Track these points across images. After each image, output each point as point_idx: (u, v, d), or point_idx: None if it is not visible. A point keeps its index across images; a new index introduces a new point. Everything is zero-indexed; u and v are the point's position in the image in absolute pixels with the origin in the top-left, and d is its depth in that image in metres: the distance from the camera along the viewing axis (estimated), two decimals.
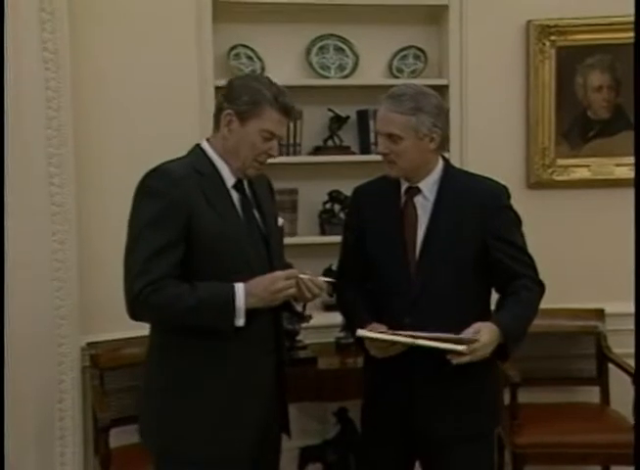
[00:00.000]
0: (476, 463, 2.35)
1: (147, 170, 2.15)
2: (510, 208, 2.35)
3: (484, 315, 2.31)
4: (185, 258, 2.11)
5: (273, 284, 2.11)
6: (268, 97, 2.14)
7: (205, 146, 2.23)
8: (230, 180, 2.21)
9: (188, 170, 2.14)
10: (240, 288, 2.09)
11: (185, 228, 2.09)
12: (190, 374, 2.15)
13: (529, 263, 2.35)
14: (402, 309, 2.28)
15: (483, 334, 2.15)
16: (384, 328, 2.25)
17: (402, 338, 2.16)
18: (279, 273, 2.14)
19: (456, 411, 2.31)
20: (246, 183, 2.25)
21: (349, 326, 2.49)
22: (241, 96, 2.16)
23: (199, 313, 2.08)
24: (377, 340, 2.21)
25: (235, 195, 2.21)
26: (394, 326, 2.24)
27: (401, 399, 2.32)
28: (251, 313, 2.11)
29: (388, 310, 2.32)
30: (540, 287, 2.35)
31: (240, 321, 2.09)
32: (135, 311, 2.11)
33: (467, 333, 2.17)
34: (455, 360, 2.14)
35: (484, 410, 2.37)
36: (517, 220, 2.36)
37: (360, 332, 2.21)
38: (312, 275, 2.19)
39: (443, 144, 2.34)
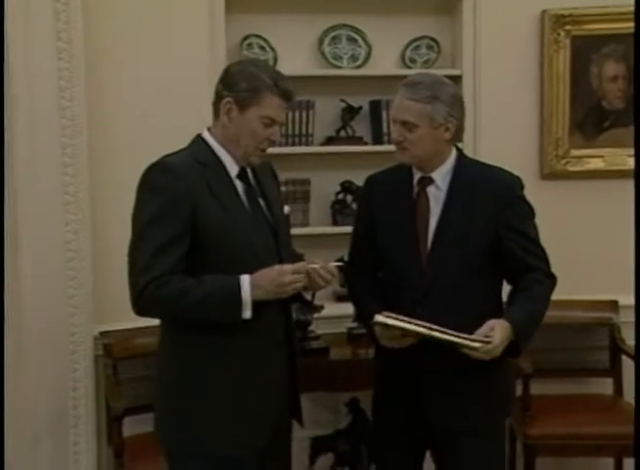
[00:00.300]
0: (484, 456, 2.34)
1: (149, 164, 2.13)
2: (523, 199, 2.34)
3: (496, 307, 2.31)
4: (192, 251, 2.09)
5: (280, 277, 2.09)
6: (268, 83, 2.10)
7: (207, 136, 2.19)
8: (233, 170, 2.18)
9: (190, 162, 2.11)
10: (245, 280, 2.07)
11: (190, 222, 2.07)
12: (195, 369, 2.14)
13: (542, 256, 2.33)
14: (414, 301, 2.28)
15: (497, 332, 2.15)
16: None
17: (418, 327, 2.15)
18: (287, 267, 2.12)
19: (464, 403, 2.30)
20: (250, 172, 2.23)
21: (360, 316, 2.49)
22: (239, 83, 2.11)
23: (205, 307, 2.07)
24: (392, 327, 2.18)
25: (239, 185, 2.19)
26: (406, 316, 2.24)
27: (410, 389, 2.32)
28: (259, 305, 2.09)
29: (400, 302, 2.31)
30: (552, 280, 2.34)
31: (247, 313, 2.07)
32: (140, 308, 2.10)
33: (480, 333, 2.16)
34: (470, 354, 2.14)
35: (493, 403, 2.36)
36: (530, 212, 2.35)
37: (378, 318, 2.18)
38: (323, 263, 2.18)
39: (458, 134, 2.33)
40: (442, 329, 2.15)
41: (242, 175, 2.20)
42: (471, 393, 2.30)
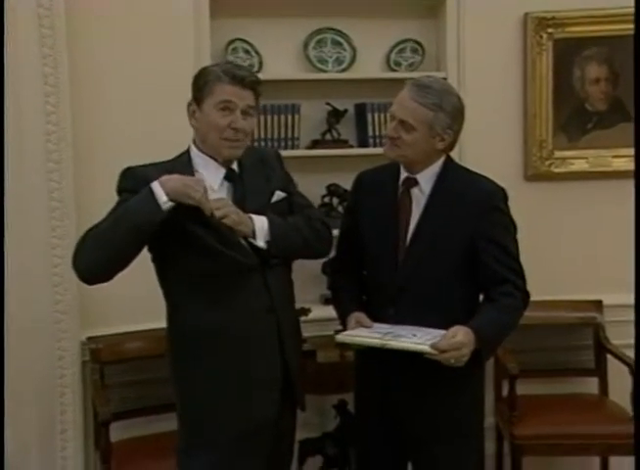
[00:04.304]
0: (459, 461, 2.33)
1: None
2: (502, 210, 2.30)
3: (470, 312, 2.26)
4: (171, 252, 2.18)
5: (189, 180, 2.10)
6: (216, 73, 2.18)
7: (192, 148, 2.27)
8: (220, 173, 2.23)
9: (163, 173, 2.13)
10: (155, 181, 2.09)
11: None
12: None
13: (517, 270, 2.28)
14: (387, 300, 2.30)
15: (459, 335, 2.12)
16: (366, 319, 2.29)
17: (373, 340, 2.18)
18: (196, 178, 2.15)
19: (435, 410, 2.30)
20: (237, 167, 2.26)
21: (337, 313, 2.49)
22: (194, 85, 2.23)
23: (125, 216, 2.07)
24: (352, 345, 2.27)
25: (227, 186, 2.23)
26: (380, 316, 2.29)
27: (384, 396, 2.33)
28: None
29: (375, 301, 2.35)
30: (524, 295, 2.29)
31: (162, 198, 2.04)
32: (75, 252, 2.12)
33: (443, 335, 2.13)
34: (435, 359, 2.12)
35: (466, 407, 2.34)
36: (509, 224, 2.30)
37: (338, 337, 2.26)
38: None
39: (451, 146, 2.32)
40: (407, 329, 2.18)
41: (229, 176, 2.24)
42: (443, 398, 2.29)
